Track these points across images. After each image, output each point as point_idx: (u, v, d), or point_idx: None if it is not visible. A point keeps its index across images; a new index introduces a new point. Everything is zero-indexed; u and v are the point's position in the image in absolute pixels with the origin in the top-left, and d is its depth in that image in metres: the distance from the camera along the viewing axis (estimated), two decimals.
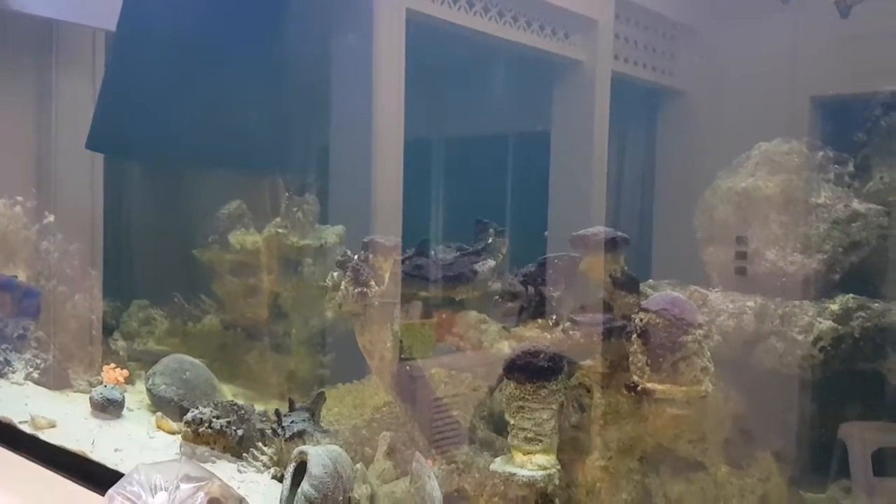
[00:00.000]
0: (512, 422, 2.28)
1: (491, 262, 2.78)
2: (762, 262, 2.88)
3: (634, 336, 2.20)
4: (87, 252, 4.46)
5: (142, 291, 4.47)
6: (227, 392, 3.87)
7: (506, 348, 3.06)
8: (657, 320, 2.14)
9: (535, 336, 2.48)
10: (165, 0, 4.46)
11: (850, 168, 3.05)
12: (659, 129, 6.51)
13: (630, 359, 2.18)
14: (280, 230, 3.88)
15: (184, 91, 4.27)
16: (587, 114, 6.00)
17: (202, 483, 2.32)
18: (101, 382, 3.90)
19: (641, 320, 2.17)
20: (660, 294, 2.24)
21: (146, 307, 4.46)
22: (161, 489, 2.27)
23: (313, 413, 3.05)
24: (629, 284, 2.35)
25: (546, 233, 6.32)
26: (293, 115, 4.69)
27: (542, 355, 2.29)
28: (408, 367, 2.86)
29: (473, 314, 3.31)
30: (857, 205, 2.93)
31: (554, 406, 2.25)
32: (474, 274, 2.77)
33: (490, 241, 2.83)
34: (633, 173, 6.66)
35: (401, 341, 2.91)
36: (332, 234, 3.88)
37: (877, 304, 2.83)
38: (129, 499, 2.23)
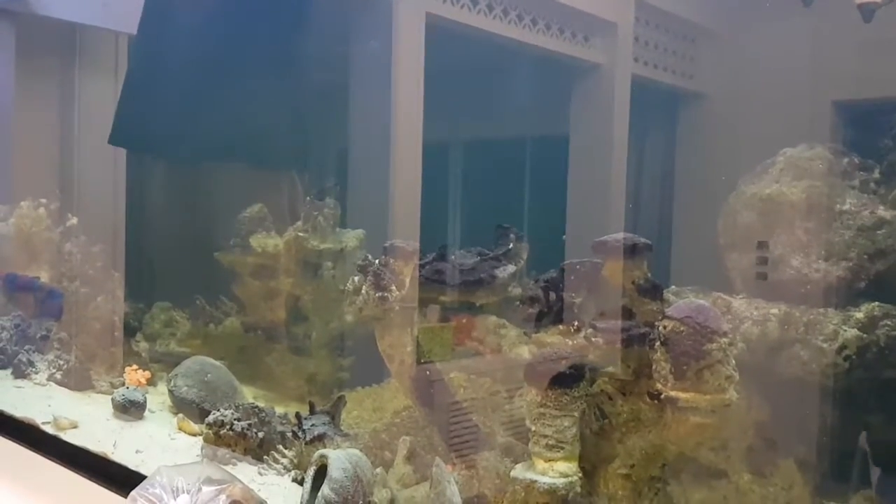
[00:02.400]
0: (533, 428, 2.27)
1: (511, 268, 2.77)
2: (786, 269, 2.85)
3: (658, 343, 2.18)
4: (110, 254, 4.50)
5: (164, 293, 4.50)
6: (248, 394, 3.89)
7: (525, 353, 3.06)
8: (681, 328, 2.13)
9: (557, 342, 2.46)
10: (188, 1, 4.48)
11: (876, 174, 3.01)
12: (679, 132, 6.50)
13: (653, 366, 2.17)
14: (301, 234, 3.89)
15: (205, 90, 4.30)
16: (606, 117, 5.98)
17: (224, 486, 2.32)
18: (123, 384, 3.94)
19: (665, 328, 2.16)
20: (684, 302, 2.23)
21: (168, 309, 4.49)
22: (183, 491, 2.28)
23: (333, 416, 3.05)
24: (652, 291, 2.34)
25: (564, 236, 6.29)
26: (313, 118, 4.70)
27: (563, 362, 2.28)
28: (427, 372, 2.86)
29: (493, 319, 3.32)
30: (882, 211, 2.90)
31: (575, 413, 2.24)
32: (494, 279, 2.76)
33: (511, 246, 2.82)
34: (653, 177, 6.64)
35: (418, 344, 2.91)
36: (352, 237, 3.89)
37: None
38: (151, 501, 2.24)
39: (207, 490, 2.30)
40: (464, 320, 3.37)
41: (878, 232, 2.86)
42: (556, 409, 2.23)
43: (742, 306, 2.79)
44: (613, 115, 5.96)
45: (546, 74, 6.14)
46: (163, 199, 4.94)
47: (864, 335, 2.72)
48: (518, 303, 2.60)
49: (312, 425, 2.96)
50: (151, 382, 4.03)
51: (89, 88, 5.06)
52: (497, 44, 5.42)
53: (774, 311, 2.77)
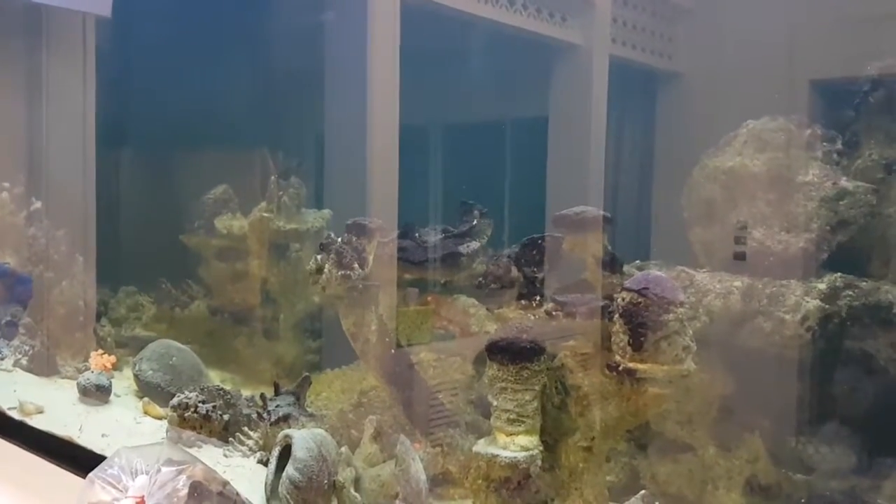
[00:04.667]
0: (495, 403, 2.26)
1: (475, 244, 2.75)
2: (749, 242, 2.85)
3: (616, 316, 2.17)
4: (80, 238, 4.42)
5: (129, 277, 4.45)
6: (215, 378, 3.86)
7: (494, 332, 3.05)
8: (639, 300, 2.12)
9: (519, 317, 2.45)
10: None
11: (839, 145, 3.01)
12: (657, 112, 6.44)
13: (612, 339, 2.16)
14: (266, 214, 3.85)
15: (177, 71, 4.24)
16: (585, 98, 5.97)
17: (184, 466, 2.30)
18: (89, 368, 3.90)
19: (623, 300, 2.15)
20: (642, 273, 2.22)
21: (134, 293, 4.44)
22: (141, 472, 2.25)
23: (298, 397, 3.03)
24: (612, 264, 2.33)
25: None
26: (286, 99, 4.65)
27: (524, 336, 2.27)
28: (392, 351, 2.84)
29: (463, 298, 3.30)
30: (845, 182, 2.90)
31: (536, 387, 2.23)
32: (457, 256, 2.74)
33: (475, 223, 2.80)
34: (632, 157, 6.63)
35: (396, 329, 2.90)
36: (318, 217, 3.85)
37: (865, 283, 2.80)
38: (108, 482, 2.21)
39: (167, 471, 2.27)
40: (432, 299, 3.35)
41: (841, 203, 2.87)
42: (516, 383, 2.22)
43: (705, 280, 2.79)
44: (592, 95, 5.94)
45: (524, 55, 6.11)
46: (130, 183, 4.87)
47: (827, 306, 2.73)
48: (480, 279, 2.58)
49: (277, 406, 2.94)
50: (117, 367, 3.99)
51: (56, 71, 4.96)
52: (474, 24, 5.37)
53: (737, 283, 2.77)
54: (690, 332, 2.11)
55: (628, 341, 2.10)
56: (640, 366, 2.08)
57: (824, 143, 3.02)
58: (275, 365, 3.90)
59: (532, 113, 6.42)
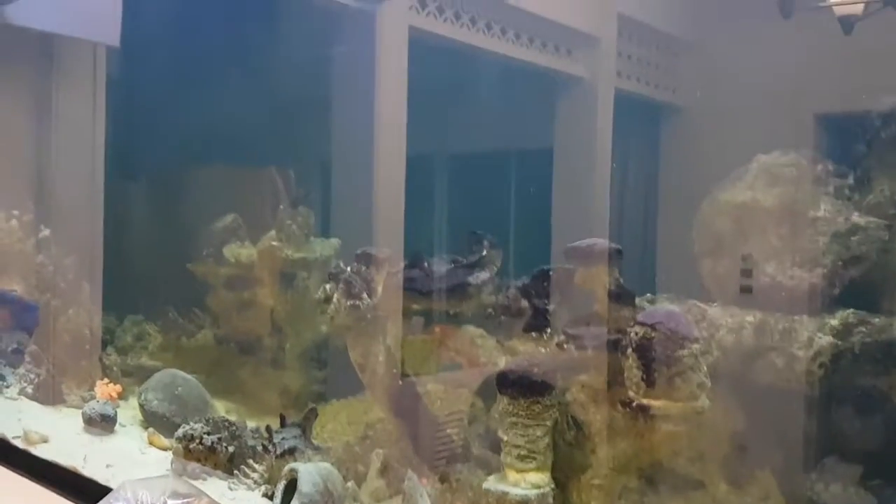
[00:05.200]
0: (505, 438, 2.24)
1: (484, 275, 2.74)
2: (761, 276, 2.83)
3: (630, 350, 2.15)
4: (87, 266, 4.42)
5: (136, 306, 4.43)
6: (221, 408, 3.82)
7: (503, 363, 3.02)
8: (652, 334, 2.10)
9: (530, 350, 2.43)
10: (170, 9, 4.43)
11: (850, 181, 3.00)
12: (661, 145, 6.55)
13: (625, 374, 2.14)
14: (275, 243, 3.84)
15: (188, 100, 4.25)
16: (590, 130, 6.05)
17: (189, 500, 2.27)
18: (94, 397, 3.86)
19: (637, 334, 2.13)
20: (655, 308, 2.21)
21: (140, 322, 4.41)
22: None
23: (304, 429, 3.00)
24: (624, 297, 2.31)
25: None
26: (294, 126, 4.66)
27: (535, 370, 2.25)
28: (400, 383, 2.82)
29: (471, 329, 3.27)
30: (857, 218, 2.88)
31: (548, 422, 2.21)
32: (467, 286, 2.73)
33: (484, 253, 2.79)
34: (636, 189, 6.68)
35: (403, 358, 2.87)
36: (327, 246, 3.84)
37: (877, 320, 2.77)
38: None
39: None
40: (439, 329, 3.32)
41: (853, 238, 2.85)
42: (527, 418, 2.20)
43: (717, 314, 2.77)
44: (597, 128, 6.01)
45: (530, 87, 6.18)
46: (138, 211, 4.87)
47: (839, 342, 2.70)
48: (490, 310, 2.56)
49: (283, 439, 2.91)
50: (122, 396, 3.96)
51: (66, 99, 4.98)
52: (481, 57, 5.44)
53: (749, 318, 2.75)
54: (705, 368, 2.09)
55: (642, 377, 2.07)
56: (653, 402, 2.05)
57: (836, 178, 3.00)
58: (280, 395, 3.87)
59: (538, 144, 6.51)
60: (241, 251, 3.98)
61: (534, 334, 2.45)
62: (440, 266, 2.83)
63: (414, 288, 2.78)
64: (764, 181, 2.94)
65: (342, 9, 4.67)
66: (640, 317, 2.15)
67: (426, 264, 2.80)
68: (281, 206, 3.89)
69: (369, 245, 4.48)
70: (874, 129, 3.03)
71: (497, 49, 5.47)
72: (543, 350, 2.40)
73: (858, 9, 4.95)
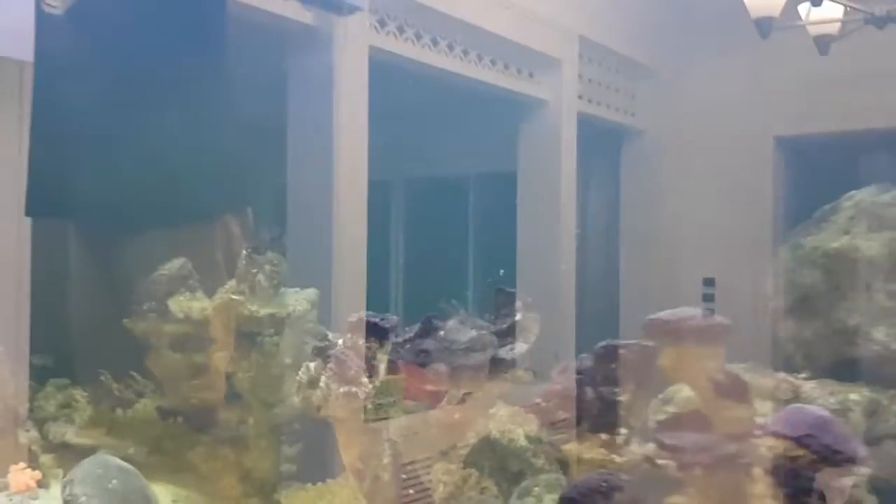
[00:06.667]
0: None
1: (522, 346, 2.09)
2: (867, 343, 2.24)
3: (758, 471, 1.51)
4: (12, 323, 3.65)
5: (61, 368, 3.66)
6: (166, 497, 3.09)
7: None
8: (798, 452, 1.47)
9: (600, 458, 1.78)
10: (95, 28, 3.83)
11: None
12: (622, 168, 6.80)
13: None
14: (235, 296, 3.11)
15: (122, 134, 3.67)
16: (554, 154, 5.99)
17: None
18: (7, 488, 3.11)
19: (771, 449, 1.49)
20: (792, 409, 1.57)
21: (65, 387, 3.64)
22: None
23: None
24: (738, 391, 1.68)
25: (501, 271, 5.96)
26: (248, 160, 4.20)
27: (616, 495, 1.60)
28: (411, 492, 2.14)
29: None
30: None
31: None
32: (502, 363, 2.07)
33: (518, 317, 2.13)
34: (599, 213, 6.77)
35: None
36: (301, 300, 3.13)
37: None
38: None
39: None
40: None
41: None
42: None
43: (813, 390, 2.16)
44: (561, 151, 5.98)
45: (492, 110, 6.12)
46: (66, 258, 4.12)
47: None
48: (539, 401, 1.90)
49: None
50: (42, 484, 3.20)
51: None
52: (442, 79, 5.28)
53: (854, 396, 2.16)
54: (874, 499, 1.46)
55: None
56: None
57: None
58: (242, 481, 3.14)
59: (501, 168, 6.49)
60: (192, 304, 3.25)
61: (603, 436, 1.79)
62: (460, 333, 2.16)
63: (427, 364, 2.11)
64: (864, 224, 2.35)
65: (298, 27, 4.31)
66: (771, 423, 1.52)
67: (441, 332, 2.13)
68: (244, 252, 3.18)
69: (327, 286, 3.95)
70: None
71: (459, 70, 5.29)
72: (619, 459, 1.74)
73: (835, 28, 4.69)
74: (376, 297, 4.90)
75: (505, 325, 2.14)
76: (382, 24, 4.69)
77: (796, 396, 2.20)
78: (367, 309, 3.53)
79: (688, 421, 1.75)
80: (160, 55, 3.87)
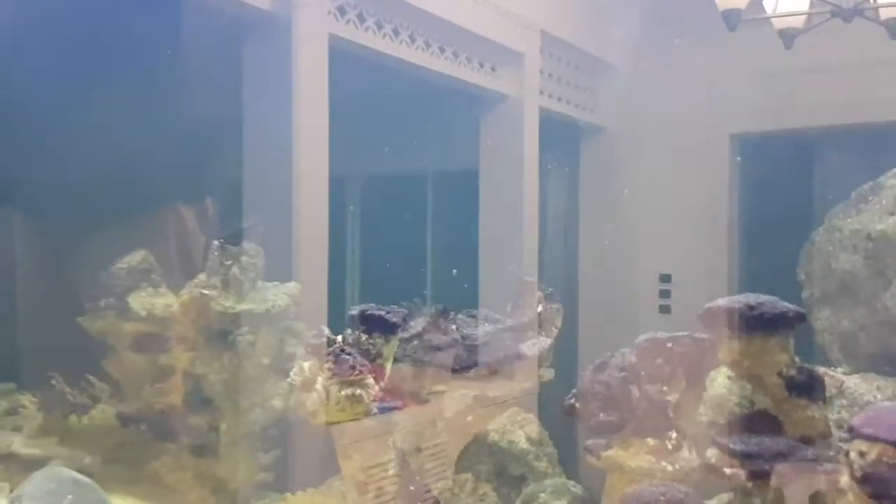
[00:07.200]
0: None
1: (545, 341, 1.86)
2: None
3: (847, 479, 1.32)
4: None
5: (5, 371, 3.31)
6: None
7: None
8: (892, 456, 1.28)
9: (649, 467, 1.56)
10: (41, 14, 3.60)
11: None
12: (581, 165, 6.81)
13: None
14: (206, 291, 2.81)
15: (68, 121, 3.45)
16: (516, 148, 5.95)
17: None
18: None
19: (861, 455, 1.30)
20: (882, 408, 1.38)
21: (11, 392, 3.29)
22: None
23: None
24: (810, 387, 1.48)
25: (454, 271, 5.87)
26: (201, 152, 3.96)
27: None
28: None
29: None
30: None
31: None
32: (520, 357, 1.84)
33: (539, 309, 1.90)
34: (557, 210, 6.73)
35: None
36: (281, 294, 2.85)
37: None
38: None
39: None
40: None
41: None
42: None
43: (858, 384, 1.99)
44: (523, 146, 5.93)
45: (454, 104, 6.05)
46: (10, 251, 3.77)
47: None
48: (571, 401, 1.68)
49: None
50: None
51: None
52: (402, 71, 5.14)
53: None
54: None
55: None
56: None
57: None
58: (214, 492, 2.85)
59: (462, 162, 6.41)
60: (155, 301, 2.95)
61: (650, 441, 1.58)
62: (471, 327, 1.92)
63: (438, 361, 1.86)
64: None
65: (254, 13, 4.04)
66: (859, 424, 1.32)
67: (454, 325, 1.89)
68: (216, 243, 2.88)
69: (288, 270, 3.72)
70: None
71: (420, 62, 5.15)
72: (671, 468, 1.53)
73: (800, 21, 4.65)
74: (332, 294, 4.73)
75: (525, 319, 1.93)
76: (342, 11, 4.43)
77: (840, 391, 2.04)
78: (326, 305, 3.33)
79: (752, 422, 1.55)
80: (109, 39, 3.69)
